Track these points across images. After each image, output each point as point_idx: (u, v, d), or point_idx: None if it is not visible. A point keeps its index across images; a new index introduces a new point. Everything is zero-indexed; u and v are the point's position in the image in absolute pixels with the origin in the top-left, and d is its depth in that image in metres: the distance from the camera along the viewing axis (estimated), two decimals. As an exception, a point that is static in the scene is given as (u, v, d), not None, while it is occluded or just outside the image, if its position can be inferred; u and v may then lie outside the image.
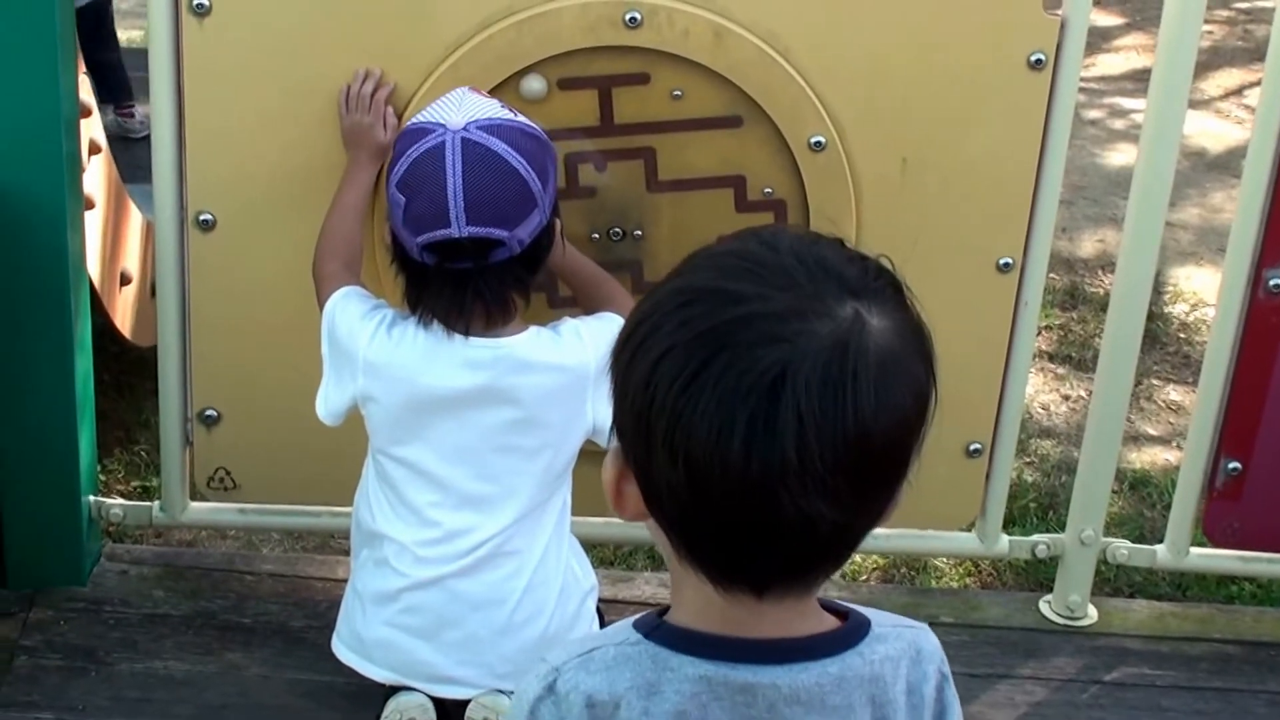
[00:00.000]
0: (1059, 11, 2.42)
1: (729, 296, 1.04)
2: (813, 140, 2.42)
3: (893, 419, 1.03)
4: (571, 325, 2.19)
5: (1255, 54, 6.63)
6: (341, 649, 2.27)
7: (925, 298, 2.76)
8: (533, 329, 2.15)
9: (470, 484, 2.16)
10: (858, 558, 3.20)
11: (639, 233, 2.46)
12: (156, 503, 2.67)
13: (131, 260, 3.30)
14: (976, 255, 2.55)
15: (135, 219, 3.33)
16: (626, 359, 1.07)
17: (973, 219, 2.52)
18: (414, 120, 2.13)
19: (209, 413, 2.55)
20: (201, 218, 2.43)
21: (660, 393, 1.03)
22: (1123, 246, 2.63)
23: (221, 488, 2.60)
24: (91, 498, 2.64)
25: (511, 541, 2.18)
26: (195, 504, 2.67)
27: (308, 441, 2.55)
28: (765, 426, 1.00)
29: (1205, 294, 4.58)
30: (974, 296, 2.56)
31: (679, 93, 2.38)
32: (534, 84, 2.35)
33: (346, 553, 3.01)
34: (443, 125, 2.07)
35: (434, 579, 2.18)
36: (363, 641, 2.24)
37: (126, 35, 5.90)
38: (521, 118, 2.12)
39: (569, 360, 2.14)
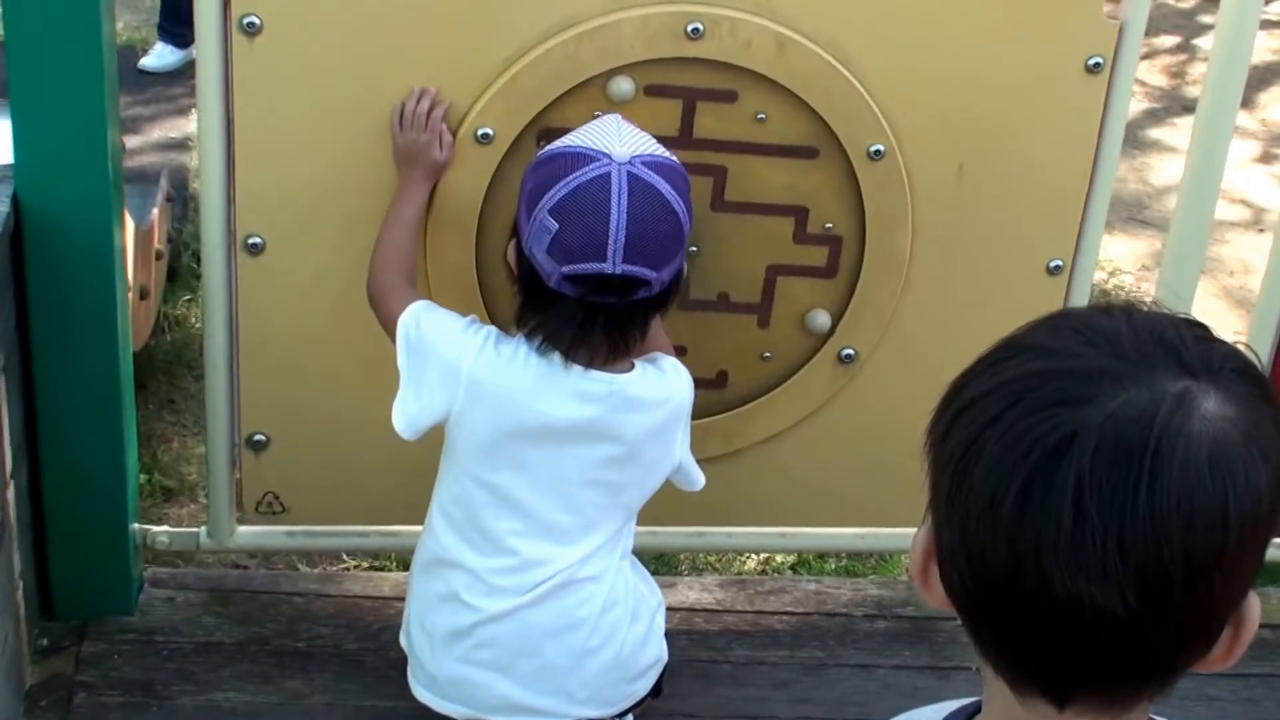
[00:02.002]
0: (1117, 15, 2.41)
1: (1042, 351, 0.96)
2: (872, 149, 2.39)
3: (1199, 521, 0.90)
4: (670, 360, 2.15)
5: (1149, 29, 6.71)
6: (418, 689, 2.24)
7: (975, 300, 2.77)
8: (639, 366, 2.11)
9: (554, 515, 2.13)
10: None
11: (694, 249, 2.43)
12: (203, 528, 2.62)
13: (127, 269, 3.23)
14: (1027, 258, 2.55)
15: (129, 228, 3.25)
16: (939, 411, 0.99)
17: (1025, 222, 2.52)
18: (568, 145, 2.05)
19: (257, 437, 2.49)
20: (250, 241, 2.36)
21: (953, 445, 0.95)
22: (1167, 246, 2.65)
23: (270, 512, 2.55)
24: (135, 525, 2.58)
25: (585, 569, 2.15)
26: (242, 528, 2.61)
27: (359, 463, 2.53)
28: (1041, 488, 0.90)
29: (1120, 262, 4.69)
30: (1023, 298, 2.56)
31: (763, 116, 2.35)
32: (623, 85, 2.30)
33: (387, 570, 2.99)
34: (607, 155, 2.00)
35: (507, 611, 2.14)
36: (436, 680, 2.21)
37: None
38: (673, 155, 2.08)
39: (671, 396, 2.11)
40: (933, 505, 0.99)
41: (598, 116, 2.25)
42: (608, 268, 1.97)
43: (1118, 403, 0.91)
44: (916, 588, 1.04)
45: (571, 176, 1.99)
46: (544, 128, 2.31)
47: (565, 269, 1.98)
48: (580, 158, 2.01)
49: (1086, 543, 0.90)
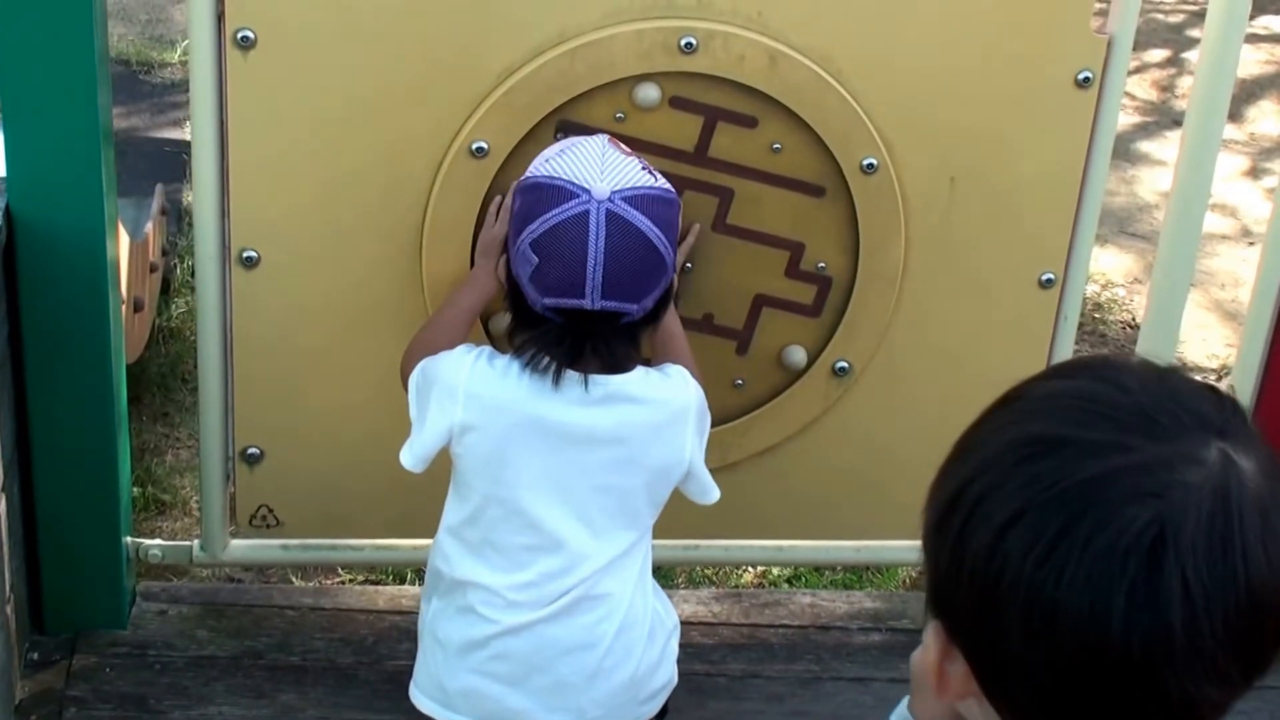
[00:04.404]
0: (1106, 31, 2.42)
1: (1083, 448, 0.92)
2: (865, 163, 2.40)
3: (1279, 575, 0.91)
4: (679, 369, 2.15)
5: (1139, 43, 6.76)
6: (421, 698, 2.22)
7: (969, 314, 2.77)
8: (640, 369, 2.10)
9: (564, 525, 2.11)
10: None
11: (689, 265, 2.43)
12: (197, 542, 2.61)
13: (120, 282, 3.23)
14: (1019, 271, 2.56)
15: (123, 241, 3.25)
16: (959, 524, 0.94)
17: (1017, 236, 2.52)
18: (551, 175, 2.03)
19: (251, 451, 2.49)
20: (245, 255, 2.37)
21: (1013, 565, 0.91)
22: (1157, 260, 2.66)
23: (264, 525, 2.54)
24: (128, 538, 2.57)
25: (602, 584, 2.14)
26: (236, 541, 2.61)
27: (353, 477, 2.53)
28: (1146, 597, 0.88)
29: (1112, 274, 4.71)
30: (1016, 312, 2.57)
31: (779, 147, 2.36)
32: (650, 92, 2.31)
33: (381, 583, 2.99)
34: (587, 190, 1.99)
35: (524, 624, 2.12)
36: (445, 691, 2.19)
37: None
38: (660, 181, 2.07)
39: (675, 397, 2.10)
40: (969, 619, 0.94)
41: (621, 119, 2.27)
42: (586, 304, 1.99)
43: (1185, 488, 0.90)
44: (930, 687, 1.00)
45: (551, 213, 1.99)
46: (563, 120, 2.31)
47: (546, 300, 2.01)
48: (560, 193, 2.00)
49: (1199, 643, 0.89)
